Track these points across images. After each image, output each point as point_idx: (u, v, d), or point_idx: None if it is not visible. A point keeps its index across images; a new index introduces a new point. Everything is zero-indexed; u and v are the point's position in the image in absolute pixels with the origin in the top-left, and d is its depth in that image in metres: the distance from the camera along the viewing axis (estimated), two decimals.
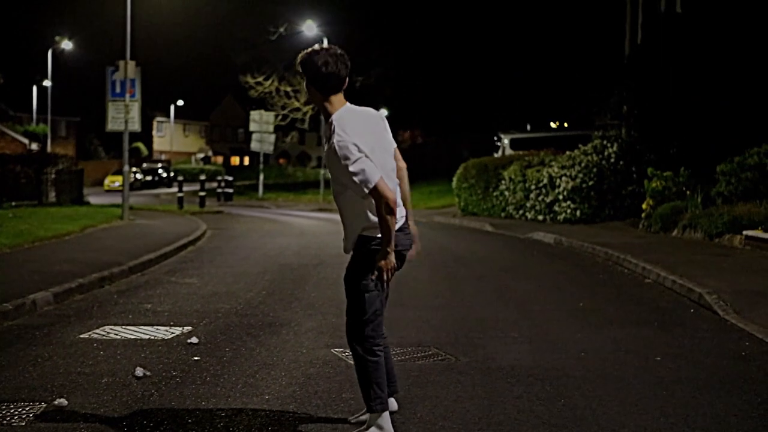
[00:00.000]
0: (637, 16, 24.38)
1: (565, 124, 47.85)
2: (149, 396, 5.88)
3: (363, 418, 5.14)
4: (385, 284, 4.93)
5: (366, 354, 4.90)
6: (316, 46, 4.95)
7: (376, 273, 4.86)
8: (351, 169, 4.66)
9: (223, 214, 29.80)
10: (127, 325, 8.45)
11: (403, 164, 5.13)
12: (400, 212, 4.95)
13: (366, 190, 4.68)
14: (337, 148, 4.69)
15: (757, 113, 19.45)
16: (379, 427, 4.90)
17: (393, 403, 5.19)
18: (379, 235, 4.82)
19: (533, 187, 23.90)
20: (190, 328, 8.29)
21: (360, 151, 4.69)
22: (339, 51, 4.87)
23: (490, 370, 6.60)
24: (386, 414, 4.93)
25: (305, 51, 4.92)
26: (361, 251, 4.93)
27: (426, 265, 13.09)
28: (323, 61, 4.80)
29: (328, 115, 4.87)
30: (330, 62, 4.80)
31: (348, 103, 4.93)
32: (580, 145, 22.93)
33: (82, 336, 7.89)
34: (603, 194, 21.66)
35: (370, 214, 4.82)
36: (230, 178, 45.76)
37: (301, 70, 4.91)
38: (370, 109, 5.01)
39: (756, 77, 19.86)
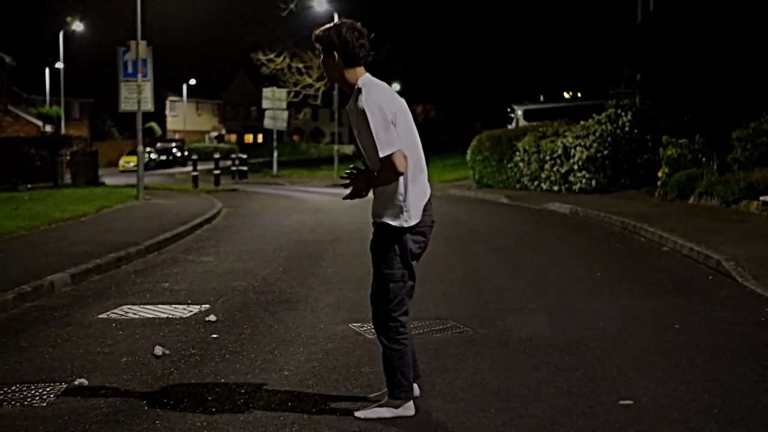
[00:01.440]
0: None
1: (579, 94, 47.58)
2: (169, 374, 5.90)
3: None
4: (411, 273, 4.94)
5: (390, 342, 4.87)
6: (338, 21, 4.94)
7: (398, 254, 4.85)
8: (379, 133, 4.63)
9: (238, 192, 29.81)
10: (145, 304, 8.48)
11: None
12: (426, 188, 4.92)
13: (381, 154, 4.65)
14: (366, 109, 4.65)
15: None
16: (399, 412, 4.87)
17: (415, 389, 5.09)
18: (396, 221, 4.80)
19: (548, 157, 23.81)
20: (207, 306, 8.32)
21: (388, 117, 4.67)
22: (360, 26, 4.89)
23: (509, 342, 6.60)
24: (410, 403, 4.92)
25: (330, 24, 4.90)
26: (383, 237, 4.88)
27: (442, 238, 13.06)
28: (354, 34, 4.82)
29: (351, 85, 4.84)
30: (357, 35, 4.83)
31: (369, 74, 4.91)
32: (594, 115, 22.78)
33: (100, 316, 7.93)
34: (618, 163, 21.56)
35: (395, 194, 4.78)
36: (244, 156, 45.59)
37: (324, 43, 4.84)
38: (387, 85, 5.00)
39: None
